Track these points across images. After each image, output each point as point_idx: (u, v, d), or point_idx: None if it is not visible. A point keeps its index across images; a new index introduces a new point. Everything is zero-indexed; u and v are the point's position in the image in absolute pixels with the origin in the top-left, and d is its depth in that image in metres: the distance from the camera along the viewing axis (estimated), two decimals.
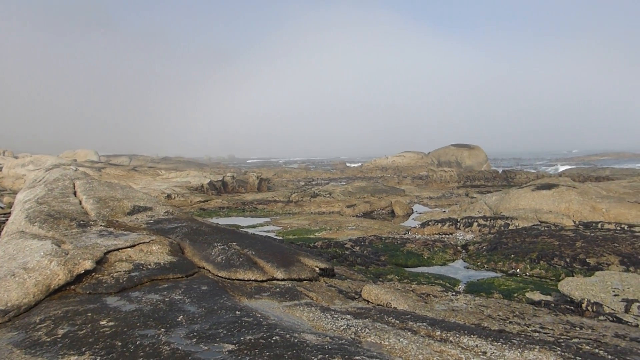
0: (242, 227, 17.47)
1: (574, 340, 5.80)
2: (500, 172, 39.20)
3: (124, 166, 41.78)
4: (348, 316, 5.74)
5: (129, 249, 7.54)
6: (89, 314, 5.45)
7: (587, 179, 31.54)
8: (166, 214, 10.34)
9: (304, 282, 7.64)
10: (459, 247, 13.61)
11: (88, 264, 6.61)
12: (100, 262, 6.94)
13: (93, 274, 6.64)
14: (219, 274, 7.39)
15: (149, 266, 7.13)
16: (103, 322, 5.23)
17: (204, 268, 7.65)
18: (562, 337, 5.98)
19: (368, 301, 7.09)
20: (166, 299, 6.00)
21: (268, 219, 20.55)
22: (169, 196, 25.22)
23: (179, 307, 5.75)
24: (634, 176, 29.81)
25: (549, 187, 18.18)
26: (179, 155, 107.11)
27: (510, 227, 15.50)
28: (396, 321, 5.65)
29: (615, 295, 7.87)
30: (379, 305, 6.90)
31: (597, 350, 5.27)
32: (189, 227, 9.32)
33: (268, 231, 16.97)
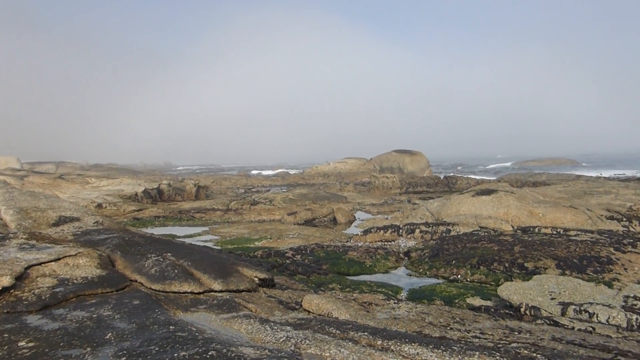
0: (179, 237, 17.13)
1: (512, 344, 5.97)
2: (442, 178, 40.21)
3: (50, 174, 40.15)
4: (288, 327, 5.69)
5: (53, 263, 7.21)
6: (6, 335, 5.15)
7: (525, 184, 32.82)
8: (96, 224, 9.97)
9: (243, 293, 7.53)
10: (401, 255, 13.80)
11: (6, 280, 6.26)
12: (21, 277, 6.59)
13: (12, 291, 6.29)
14: (153, 287, 7.18)
15: (75, 281, 6.84)
16: (22, 343, 4.95)
17: (136, 281, 7.42)
18: (502, 342, 6.14)
19: (309, 311, 7.06)
20: (94, 316, 5.76)
21: (206, 228, 20.29)
22: (99, 205, 24.41)
23: (108, 323, 5.53)
24: (569, 181, 31.30)
25: (489, 192, 18.77)
26: (111, 163, 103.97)
27: (452, 233, 15.87)
28: (337, 331, 5.65)
29: (552, 298, 8.17)
30: (320, 315, 6.88)
31: (535, 355, 5.44)
32: (120, 238, 9.03)
33: (206, 241, 16.74)
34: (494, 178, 48.51)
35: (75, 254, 7.63)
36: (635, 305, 7.87)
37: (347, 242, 16.12)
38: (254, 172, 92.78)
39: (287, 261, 12.45)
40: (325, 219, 22.39)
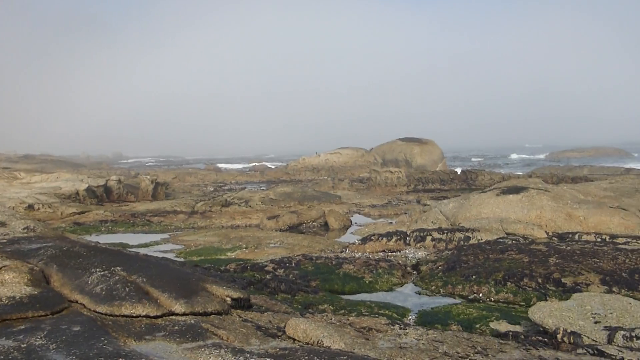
0: (132, 247, 17.09)
1: None
2: (458, 172, 40.37)
3: None
4: None
5: None
6: None
7: (562, 180, 33.00)
8: (26, 230, 9.90)
9: (212, 316, 7.51)
10: (408, 268, 13.82)
11: None
12: None
13: None
14: (98, 309, 7.14)
15: None
16: None
17: (77, 302, 7.38)
18: None
19: (294, 339, 7.04)
20: (22, 346, 5.70)
21: (166, 236, 20.28)
22: (30, 207, 24.23)
23: (41, 355, 5.48)
24: (617, 176, 31.46)
25: (517, 190, 18.85)
26: (46, 153, 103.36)
27: (472, 241, 15.92)
28: None
29: (596, 322, 8.20)
30: (307, 344, 6.86)
31: None
32: (57, 248, 8.98)
33: (166, 251, 16.72)
34: (524, 172, 48.79)
35: (0, 268, 7.56)
36: None
37: (341, 252, 16.11)
38: (226, 165, 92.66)
39: (267, 276, 12.43)
40: (314, 224, 22.41)
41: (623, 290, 10.63)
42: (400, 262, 14.31)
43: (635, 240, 14.42)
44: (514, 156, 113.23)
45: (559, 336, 8.05)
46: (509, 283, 11.46)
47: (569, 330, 8.08)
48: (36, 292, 7.24)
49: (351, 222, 22.76)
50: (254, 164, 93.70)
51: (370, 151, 64.70)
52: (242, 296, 8.47)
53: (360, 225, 22.11)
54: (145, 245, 18.02)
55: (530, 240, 15.47)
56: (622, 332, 7.85)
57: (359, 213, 26.28)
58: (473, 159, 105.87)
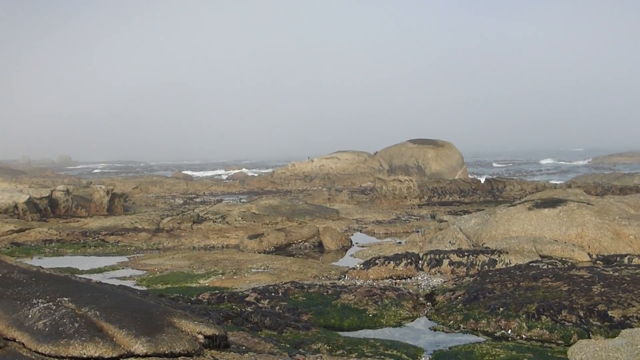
0: (82, 273, 17.00)
1: None
2: (482, 181, 40.38)
3: None
4: None
5: None
6: None
7: (608, 191, 33.04)
8: None
9: (180, 358, 7.48)
10: (421, 298, 13.79)
11: None
12: None
13: None
14: (40, 349, 7.11)
15: None
16: None
17: (14, 340, 7.35)
18: None
19: None
20: None
21: (124, 259, 20.19)
22: None
23: None
24: None
25: (553, 203, 18.86)
26: None
27: (498, 266, 15.90)
28: None
29: None
30: None
31: None
32: None
33: (124, 278, 16.64)
34: (561, 181, 48.83)
35: None
36: None
37: (339, 279, 16.08)
38: (198, 173, 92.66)
39: (249, 309, 12.39)
40: (306, 244, 22.37)
41: None
42: (411, 291, 14.29)
43: None
44: (547, 161, 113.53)
45: None
46: (544, 317, 11.45)
47: None
48: None
49: (351, 242, 22.70)
50: (232, 171, 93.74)
51: (375, 155, 64.68)
52: (217, 333, 8.44)
53: (363, 246, 22.06)
54: (99, 270, 17.89)
55: (569, 264, 15.47)
56: None
57: (360, 231, 26.21)
58: (498, 165, 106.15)
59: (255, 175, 71.31)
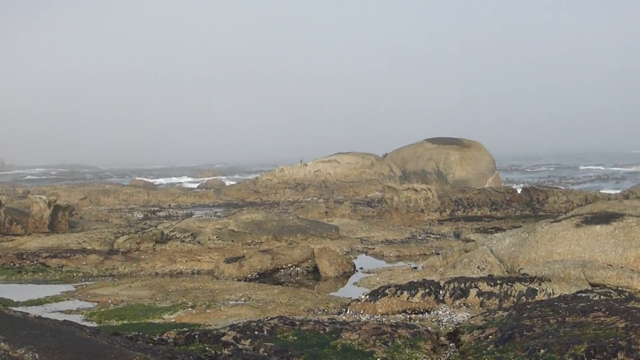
0: (17, 305, 16.87)
1: None
2: (518, 191, 40.33)
3: None
4: None
5: None
6: None
7: None
8: None
9: None
10: (442, 338, 13.65)
11: None
12: None
13: None
14: None
15: None
16: None
17: None
18: None
19: None
20: None
21: (70, 287, 20.08)
22: None
23: None
24: None
25: (607, 219, 18.71)
26: None
27: (539, 296, 15.76)
28: None
29: None
30: None
31: None
32: None
33: (70, 311, 16.54)
34: (617, 191, 48.77)
35: None
36: None
37: (339, 314, 15.95)
38: (162, 180, 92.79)
39: (225, 351, 12.23)
40: (297, 269, 22.32)
41: None
42: (429, 328, 14.13)
43: None
44: (598, 166, 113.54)
45: None
46: None
47: None
48: None
49: (354, 266, 22.62)
50: (205, 178, 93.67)
51: (384, 158, 64.75)
52: None
53: (369, 272, 22.00)
54: (39, 302, 17.75)
55: (627, 294, 15.31)
56: None
57: (366, 253, 26.18)
58: (537, 170, 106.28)
59: (234, 183, 71.31)
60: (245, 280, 20.82)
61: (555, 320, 13.19)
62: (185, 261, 23.84)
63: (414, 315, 15.69)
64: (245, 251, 23.96)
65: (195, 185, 76.02)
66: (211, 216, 36.78)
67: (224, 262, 22.07)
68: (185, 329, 13.99)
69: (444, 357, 12.76)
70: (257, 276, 21.45)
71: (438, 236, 29.97)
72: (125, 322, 15.37)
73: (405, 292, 16.53)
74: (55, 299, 18.32)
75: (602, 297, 14.92)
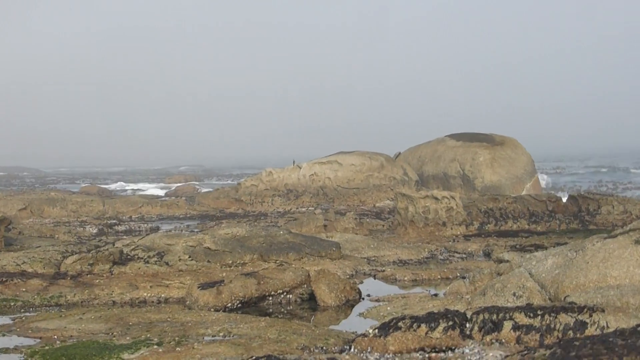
0: None
1: None
2: (563, 199, 40.24)
3: None
4: None
5: None
6: None
7: None
8: None
9: None
10: None
11: None
12: None
13: None
14: None
15: None
16: None
17: None
18: None
19: None
20: None
21: (7, 320, 20.04)
22: None
23: None
24: None
25: None
26: None
27: (590, 331, 15.69)
28: None
29: None
30: None
31: None
32: None
33: (6, 350, 16.44)
34: None
35: None
36: None
37: (341, 352, 15.92)
38: (122, 186, 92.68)
39: None
40: (289, 297, 22.26)
41: None
42: None
43: None
44: None
45: None
46: None
47: None
48: None
49: (360, 293, 22.59)
50: (175, 184, 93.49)
51: (396, 159, 64.69)
52: None
53: (378, 301, 21.98)
54: None
55: None
56: None
57: (374, 276, 26.18)
58: (584, 172, 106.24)
59: (211, 189, 71.17)
60: (224, 311, 20.75)
61: None
62: (150, 287, 23.75)
63: (434, 355, 15.62)
64: (224, 274, 23.89)
65: (162, 193, 76.10)
66: (182, 231, 36.74)
67: (198, 287, 21.99)
68: None
69: None
70: (240, 305, 21.39)
71: (464, 255, 29.97)
72: None
73: (423, 325, 16.48)
74: None
75: None
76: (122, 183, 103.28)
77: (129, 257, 26.38)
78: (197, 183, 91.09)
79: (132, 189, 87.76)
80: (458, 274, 25.08)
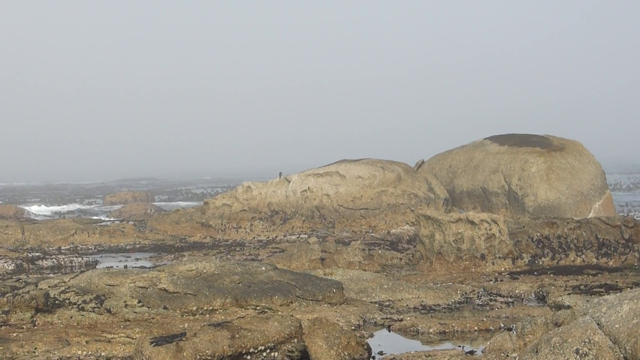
0: None
1: None
2: None
3: None
4: None
5: None
6: None
7: None
8: None
9: None
10: None
11: None
12: None
13: None
14: None
15: None
16: None
17: None
18: None
19: None
20: None
21: None
22: None
23: None
24: None
25: None
26: None
27: None
28: None
29: None
30: None
31: None
32: None
33: None
34: None
35: None
36: None
37: None
38: (45, 208, 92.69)
39: None
40: (273, 355, 22.23)
41: None
42: None
43: None
44: None
45: None
46: None
47: None
48: None
49: (369, 351, 22.62)
50: (118, 204, 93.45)
51: (419, 169, 64.64)
52: None
53: None
54: None
55: None
56: None
57: (389, 328, 26.19)
58: None
59: (167, 211, 71.08)
60: None
61: None
62: (86, 342, 23.72)
63: None
64: (186, 325, 23.90)
65: (103, 216, 75.98)
66: (129, 267, 36.77)
67: (151, 343, 21.99)
68: None
69: None
70: None
71: (510, 299, 30.00)
72: None
73: None
74: None
75: None
76: (46, 205, 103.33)
77: (57, 302, 26.33)
78: (145, 205, 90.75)
79: (61, 211, 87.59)
80: (502, 325, 25.10)
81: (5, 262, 41.76)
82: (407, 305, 28.90)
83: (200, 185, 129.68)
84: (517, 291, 31.20)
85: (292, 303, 27.15)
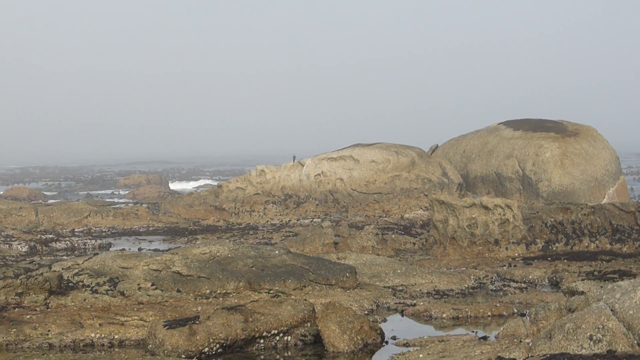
0: None
1: None
2: None
3: None
4: None
5: None
6: None
7: None
8: None
9: None
10: None
11: None
12: None
13: None
14: None
15: None
16: None
17: None
18: None
19: None
20: None
21: None
22: None
23: None
24: None
25: None
26: None
27: None
28: None
29: None
30: None
31: None
32: None
33: None
34: None
35: None
36: None
37: None
38: (59, 191, 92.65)
39: None
40: (287, 339, 22.21)
41: None
42: None
43: None
44: None
45: None
46: None
47: None
48: None
49: (382, 335, 22.57)
50: (132, 186, 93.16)
51: (432, 154, 64.42)
52: None
53: (406, 345, 21.98)
54: None
55: None
56: None
57: (402, 312, 26.13)
58: None
59: (181, 194, 70.91)
60: (199, 358, 20.77)
61: None
62: (100, 325, 23.66)
63: None
64: (199, 308, 23.81)
65: (119, 199, 75.83)
66: (143, 249, 36.70)
67: (165, 326, 21.96)
68: None
69: None
70: (220, 350, 21.38)
71: (523, 285, 29.92)
72: None
73: None
74: None
75: None
76: (59, 188, 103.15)
77: (70, 284, 26.26)
78: (159, 188, 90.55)
79: (75, 194, 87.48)
80: (515, 310, 25.03)
81: (19, 244, 41.73)
82: (420, 290, 28.85)
83: (214, 169, 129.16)
84: (530, 277, 31.16)
85: (305, 287, 27.07)
